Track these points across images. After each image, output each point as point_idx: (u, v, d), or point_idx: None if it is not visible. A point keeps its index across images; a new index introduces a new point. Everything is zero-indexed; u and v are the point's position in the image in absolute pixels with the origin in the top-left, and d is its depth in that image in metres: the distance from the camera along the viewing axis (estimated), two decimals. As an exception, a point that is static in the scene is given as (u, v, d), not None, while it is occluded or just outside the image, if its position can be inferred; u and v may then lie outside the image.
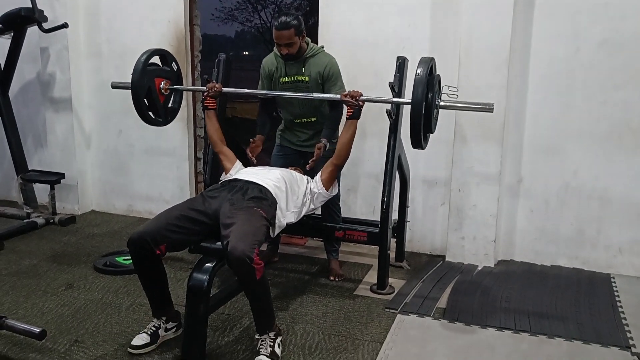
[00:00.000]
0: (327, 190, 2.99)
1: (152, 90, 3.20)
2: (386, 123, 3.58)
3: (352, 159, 3.79)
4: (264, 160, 3.46)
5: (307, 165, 3.16)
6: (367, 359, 2.51)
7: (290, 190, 2.86)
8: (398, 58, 3.15)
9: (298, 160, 3.43)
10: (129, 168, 4.58)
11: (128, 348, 2.49)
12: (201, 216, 2.53)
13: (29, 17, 4.06)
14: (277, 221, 2.71)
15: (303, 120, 3.32)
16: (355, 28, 3.76)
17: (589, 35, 3.35)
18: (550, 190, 3.58)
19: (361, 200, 3.98)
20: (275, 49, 3.17)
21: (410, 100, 2.68)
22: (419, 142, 2.75)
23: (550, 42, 3.42)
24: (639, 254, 3.46)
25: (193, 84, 4.34)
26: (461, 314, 2.93)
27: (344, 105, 3.03)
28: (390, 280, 3.27)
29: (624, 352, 2.58)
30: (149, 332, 2.53)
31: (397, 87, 3.08)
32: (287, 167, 3.32)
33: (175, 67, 3.36)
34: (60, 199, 4.49)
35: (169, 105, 3.38)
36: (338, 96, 2.98)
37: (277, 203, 2.72)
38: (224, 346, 2.59)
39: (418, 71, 2.68)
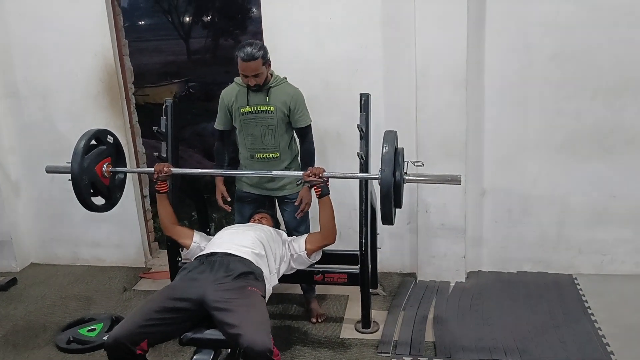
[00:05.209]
0: (308, 256, 2.90)
1: (95, 181, 2.88)
2: (342, 146, 3.53)
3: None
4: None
5: (297, 214, 3.12)
6: (376, 422, 2.50)
7: (270, 251, 2.74)
8: (361, 95, 3.03)
9: (263, 203, 3.29)
10: (68, 213, 4.17)
11: None
12: (184, 303, 2.37)
13: None
14: (267, 289, 2.59)
15: (265, 156, 3.12)
16: (304, 51, 3.57)
17: (540, 48, 3.38)
18: (512, 199, 3.66)
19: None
20: (236, 79, 3.07)
21: (378, 176, 2.62)
22: (390, 219, 2.68)
23: (503, 56, 3.43)
24: (596, 252, 3.64)
25: (130, 119, 4.00)
26: (452, 349, 2.97)
27: (308, 183, 2.81)
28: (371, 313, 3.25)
29: (609, 370, 2.73)
30: None
31: (364, 127, 2.98)
32: (254, 215, 3.18)
33: (111, 140, 3.02)
34: (-6, 257, 4.08)
35: (115, 182, 3.07)
36: (300, 174, 2.82)
37: (262, 272, 2.59)
38: None
39: (384, 149, 2.59)
